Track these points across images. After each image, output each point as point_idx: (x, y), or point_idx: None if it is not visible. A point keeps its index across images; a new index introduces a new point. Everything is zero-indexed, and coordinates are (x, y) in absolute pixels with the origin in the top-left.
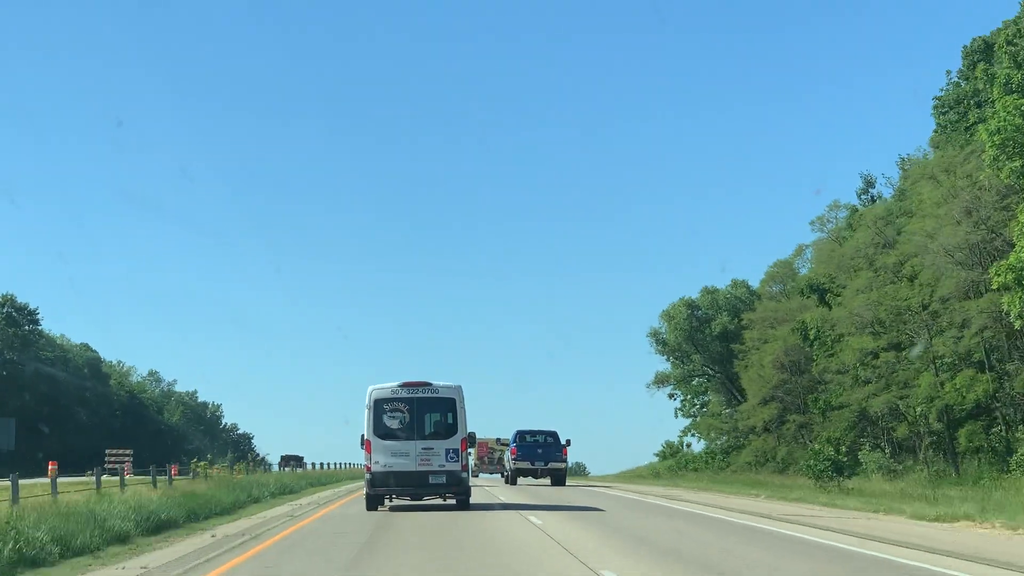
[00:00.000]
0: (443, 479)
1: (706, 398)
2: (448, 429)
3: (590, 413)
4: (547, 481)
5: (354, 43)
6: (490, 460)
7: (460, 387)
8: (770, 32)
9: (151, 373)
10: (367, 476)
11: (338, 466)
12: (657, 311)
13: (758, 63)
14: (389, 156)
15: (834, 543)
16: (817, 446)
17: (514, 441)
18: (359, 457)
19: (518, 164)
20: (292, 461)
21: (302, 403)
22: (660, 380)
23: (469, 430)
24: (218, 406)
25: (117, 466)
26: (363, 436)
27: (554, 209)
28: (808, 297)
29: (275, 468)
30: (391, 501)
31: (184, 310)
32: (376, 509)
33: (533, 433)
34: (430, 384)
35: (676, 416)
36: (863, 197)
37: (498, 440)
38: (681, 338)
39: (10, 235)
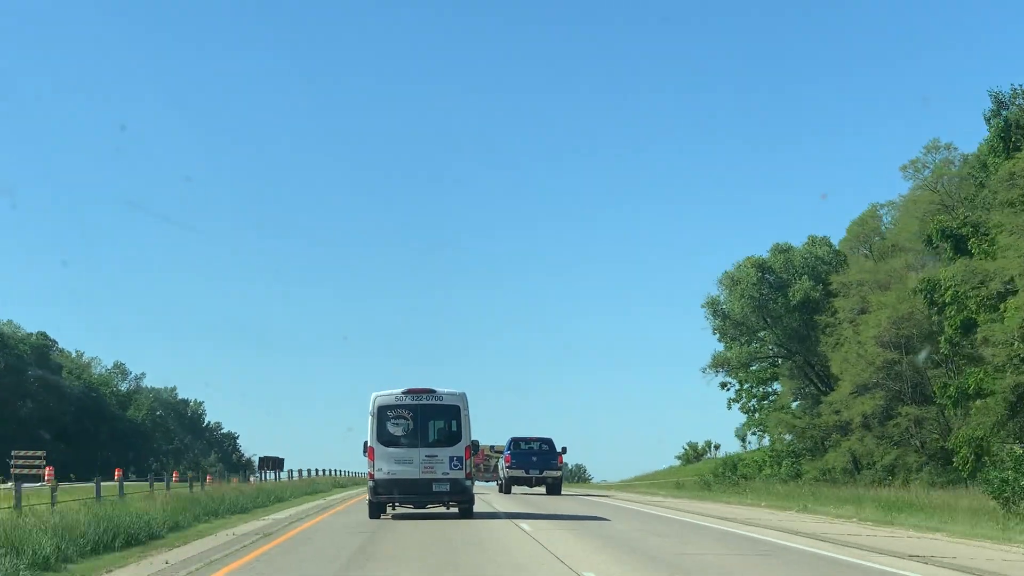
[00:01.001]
0: (447, 487)
1: (768, 388)
2: (452, 437)
3: (594, 415)
4: (542, 490)
5: (356, 53)
6: (485, 468)
7: (464, 394)
8: None
9: (116, 366)
10: (370, 484)
11: (317, 472)
12: (661, 311)
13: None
14: (391, 163)
15: None
16: (1006, 456)
17: (508, 448)
18: (348, 462)
19: (519, 169)
20: (270, 463)
21: (297, 404)
22: (718, 363)
23: (472, 438)
24: (200, 403)
25: (27, 471)
26: (366, 443)
27: (556, 211)
28: (936, 246)
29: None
30: (394, 509)
31: (178, 311)
32: (379, 517)
33: (528, 440)
34: (434, 391)
35: (729, 408)
36: (993, 121)
37: (492, 447)
38: (748, 308)
39: (9, 237)
